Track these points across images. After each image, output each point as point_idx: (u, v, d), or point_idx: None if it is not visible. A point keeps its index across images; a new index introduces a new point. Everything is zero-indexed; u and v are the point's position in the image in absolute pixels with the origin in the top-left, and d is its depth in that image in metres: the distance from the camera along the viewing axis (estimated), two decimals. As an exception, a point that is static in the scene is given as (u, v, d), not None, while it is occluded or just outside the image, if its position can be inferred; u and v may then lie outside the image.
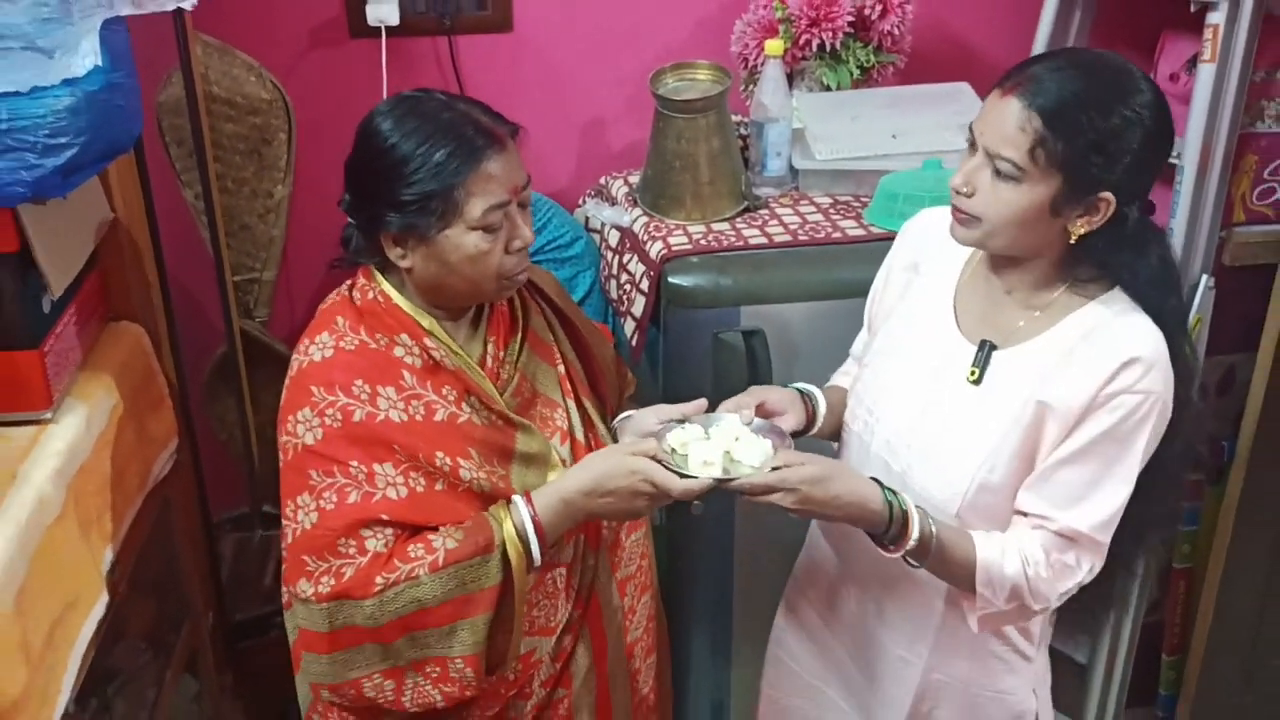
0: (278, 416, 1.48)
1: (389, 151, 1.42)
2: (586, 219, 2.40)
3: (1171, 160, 2.15)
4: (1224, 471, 2.46)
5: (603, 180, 2.42)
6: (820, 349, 1.92)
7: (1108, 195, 1.39)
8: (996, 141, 1.40)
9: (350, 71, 2.37)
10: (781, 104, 2.16)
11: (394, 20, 2.31)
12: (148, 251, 1.83)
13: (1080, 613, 1.74)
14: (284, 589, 1.59)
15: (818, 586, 1.81)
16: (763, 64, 2.20)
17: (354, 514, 1.41)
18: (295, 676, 1.64)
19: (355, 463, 1.42)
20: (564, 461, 1.60)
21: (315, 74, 2.38)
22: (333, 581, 1.41)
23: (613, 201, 2.32)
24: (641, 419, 1.65)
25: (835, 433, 1.75)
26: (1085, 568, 1.47)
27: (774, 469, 1.43)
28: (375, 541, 1.42)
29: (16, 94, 1.30)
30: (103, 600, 1.50)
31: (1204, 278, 2.23)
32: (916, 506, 1.47)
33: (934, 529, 1.46)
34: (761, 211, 2.18)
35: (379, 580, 1.40)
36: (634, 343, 2.10)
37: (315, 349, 1.48)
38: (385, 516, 1.42)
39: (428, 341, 1.48)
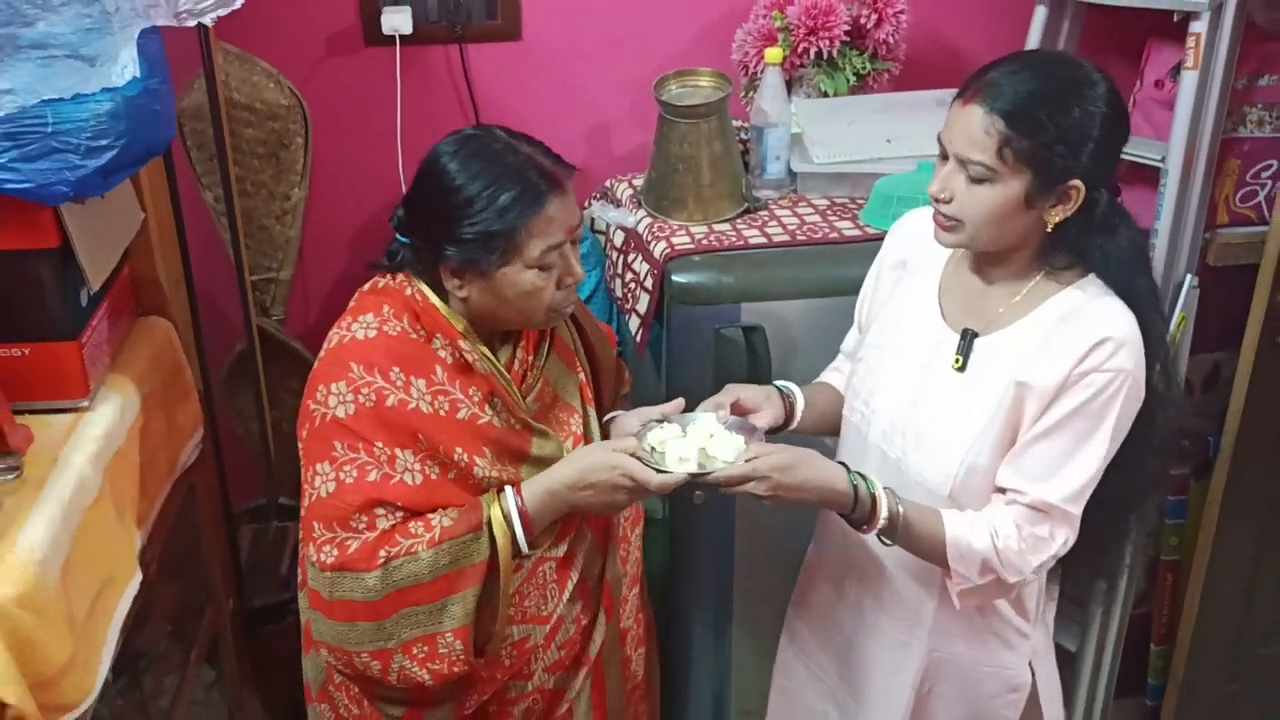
0: (307, 383, 1.52)
1: (456, 191, 1.47)
2: (592, 220, 2.42)
3: (1156, 164, 2.20)
4: (1209, 466, 2.50)
5: (608, 183, 2.44)
6: (818, 344, 1.97)
7: (1076, 183, 1.45)
8: (965, 147, 1.46)
9: (365, 78, 2.40)
10: (780, 110, 2.18)
11: (407, 29, 2.33)
12: (174, 250, 1.89)
13: (1088, 577, 1.79)
14: (299, 569, 1.66)
15: (818, 592, 1.86)
16: (762, 71, 2.22)
17: (371, 492, 1.45)
18: (305, 657, 1.70)
19: (380, 444, 1.46)
20: None
21: (331, 81, 2.40)
22: (336, 553, 1.45)
23: (618, 203, 2.35)
24: (625, 420, 1.71)
25: (822, 428, 1.80)
26: (1059, 540, 1.53)
27: (747, 461, 1.49)
28: (385, 521, 1.47)
29: (61, 100, 1.37)
30: (136, 578, 1.56)
31: (1188, 277, 2.28)
32: (885, 488, 1.54)
33: (901, 509, 1.53)
34: (761, 213, 2.20)
35: (382, 554, 1.44)
36: (638, 339, 2.14)
37: (359, 327, 1.51)
38: (399, 502, 1.47)
39: (462, 344, 1.53)
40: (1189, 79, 2.13)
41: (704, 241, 2.11)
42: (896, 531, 1.54)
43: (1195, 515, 2.59)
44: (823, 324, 1.99)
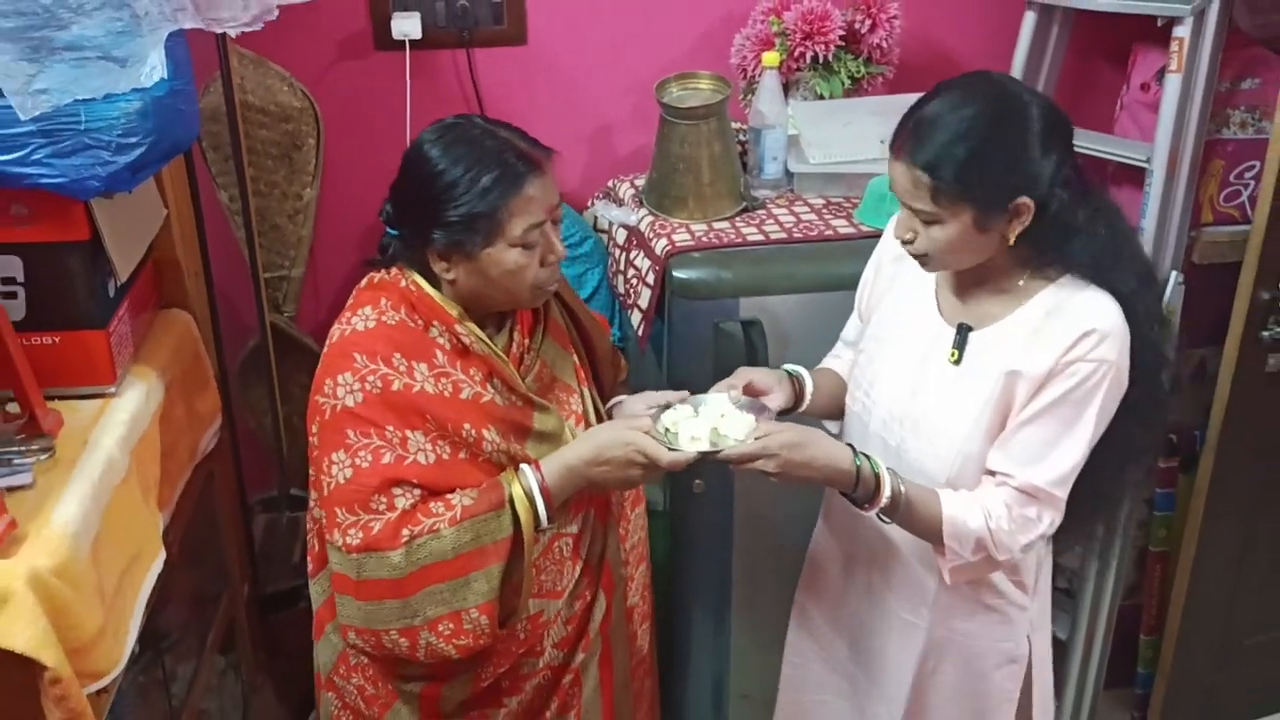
0: (314, 380, 1.57)
1: (438, 177, 1.52)
2: (595, 219, 2.48)
3: (1141, 164, 2.25)
4: (1197, 460, 2.53)
5: (610, 183, 2.48)
6: (813, 337, 2.01)
7: (1024, 200, 1.50)
8: (905, 197, 1.54)
9: (376, 82, 2.45)
10: (778, 112, 2.23)
11: (417, 34, 2.38)
12: (194, 246, 1.95)
13: (1083, 538, 1.84)
14: (308, 559, 1.71)
15: (827, 574, 1.91)
16: (760, 74, 2.26)
17: (388, 473, 1.50)
18: (316, 644, 1.75)
19: (391, 427, 1.51)
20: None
21: (343, 84, 2.45)
22: (361, 535, 1.50)
23: (620, 202, 2.39)
24: (630, 404, 1.76)
25: (827, 411, 1.86)
26: (1045, 521, 1.59)
27: (756, 439, 1.55)
28: (403, 499, 1.51)
29: (93, 99, 1.43)
30: (161, 556, 1.62)
31: (1174, 274, 2.32)
32: (888, 468, 1.59)
33: (903, 488, 1.58)
34: (759, 211, 2.24)
35: (405, 533, 1.49)
36: (640, 333, 2.19)
37: (359, 320, 1.57)
38: (415, 479, 1.52)
39: (458, 329, 1.58)
40: (1173, 82, 2.18)
41: (704, 239, 2.15)
42: (898, 510, 1.59)
43: (1183, 508, 2.63)
44: (818, 318, 2.04)
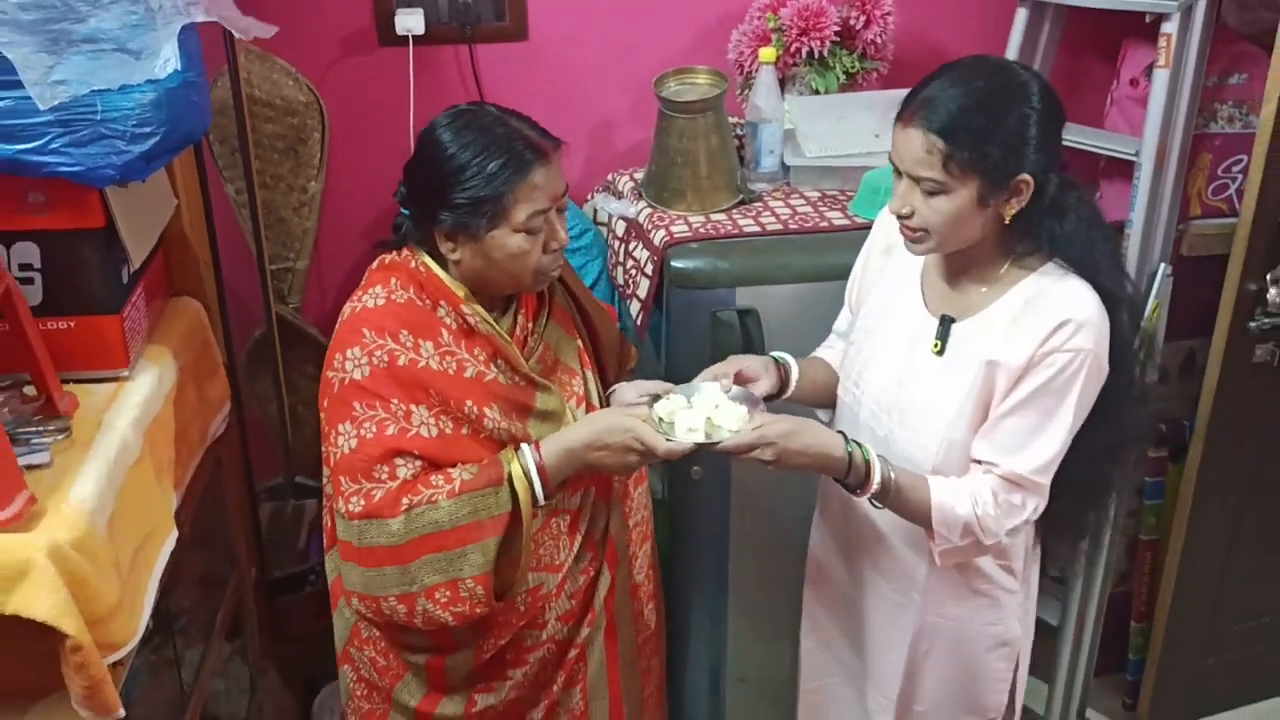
0: (325, 357, 1.61)
1: (448, 159, 1.57)
2: (595, 212, 2.51)
3: (1130, 158, 2.28)
4: (1187, 449, 2.56)
5: (610, 176, 2.51)
6: (808, 326, 2.04)
7: (1025, 177, 1.54)
8: (913, 166, 1.55)
9: (379, 76, 2.48)
10: (774, 106, 2.26)
11: (420, 30, 2.41)
12: (203, 236, 1.99)
13: (1071, 538, 1.88)
14: (324, 536, 1.76)
15: (825, 563, 1.94)
16: (757, 70, 2.30)
17: (390, 443, 1.55)
18: (334, 617, 1.80)
19: (396, 400, 1.55)
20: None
21: (347, 79, 2.48)
22: (362, 502, 1.54)
23: (620, 195, 2.42)
24: (623, 391, 1.80)
25: (816, 400, 1.89)
26: (1030, 507, 1.63)
27: (754, 430, 1.58)
28: (405, 469, 1.55)
29: (109, 90, 1.47)
30: (173, 535, 1.65)
31: (1162, 266, 2.36)
32: (878, 455, 1.63)
33: (893, 475, 1.62)
34: (756, 204, 2.27)
35: (405, 501, 1.54)
36: (639, 322, 2.22)
37: (369, 297, 1.61)
38: (416, 451, 1.56)
39: (464, 309, 1.62)
40: (1160, 77, 2.21)
41: (701, 230, 2.18)
42: (888, 496, 1.63)
43: (1173, 496, 2.66)
44: (813, 307, 2.07)
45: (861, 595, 1.88)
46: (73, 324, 1.62)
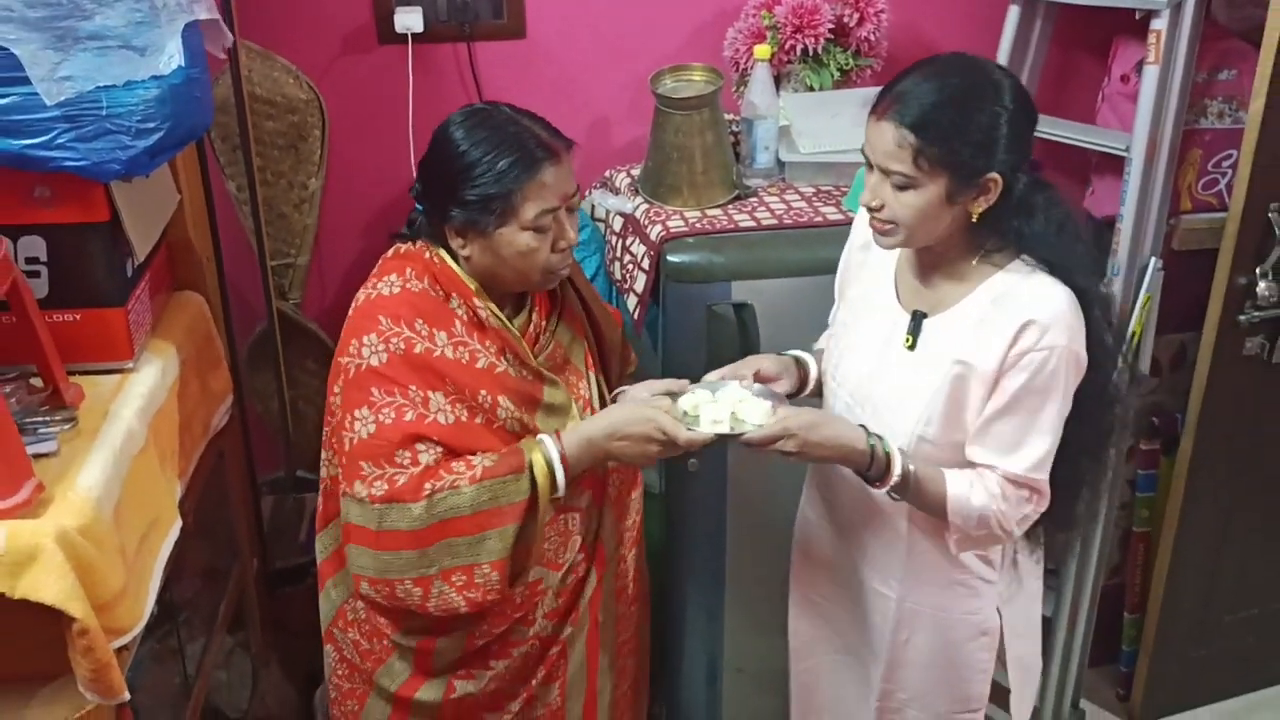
0: (339, 343, 1.64)
1: (460, 157, 1.59)
2: (592, 208, 2.52)
3: (1121, 153, 2.30)
4: (1177, 441, 2.59)
5: (607, 173, 2.53)
6: (803, 319, 2.05)
7: (994, 176, 1.55)
8: (884, 159, 1.56)
9: (379, 74, 2.49)
10: (769, 103, 2.29)
11: (419, 28, 2.42)
12: (205, 231, 2.01)
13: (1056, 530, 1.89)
14: (316, 517, 1.77)
15: (812, 549, 1.96)
16: (752, 67, 2.33)
17: (410, 429, 1.57)
18: (320, 593, 1.81)
19: (414, 387, 1.58)
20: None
21: (347, 76, 2.49)
22: (385, 486, 1.56)
23: (617, 191, 2.44)
24: (633, 392, 1.81)
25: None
26: (1033, 502, 1.66)
27: (778, 420, 1.59)
28: (426, 455, 1.57)
29: (114, 86, 1.49)
30: (177, 524, 1.68)
31: (1153, 260, 2.37)
32: (899, 449, 1.65)
33: (912, 468, 1.64)
34: (751, 199, 2.30)
35: (427, 487, 1.55)
36: (636, 316, 2.24)
37: (384, 285, 1.63)
38: (435, 436, 1.58)
39: (476, 302, 1.65)
40: (1150, 73, 2.23)
41: (697, 225, 2.21)
42: (907, 489, 1.65)
43: (1165, 489, 2.68)
44: (808, 301, 2.08)
45: (847, 580, 1.90)
46: (78, 316, 1.64)
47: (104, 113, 1.49)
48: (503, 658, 1.76)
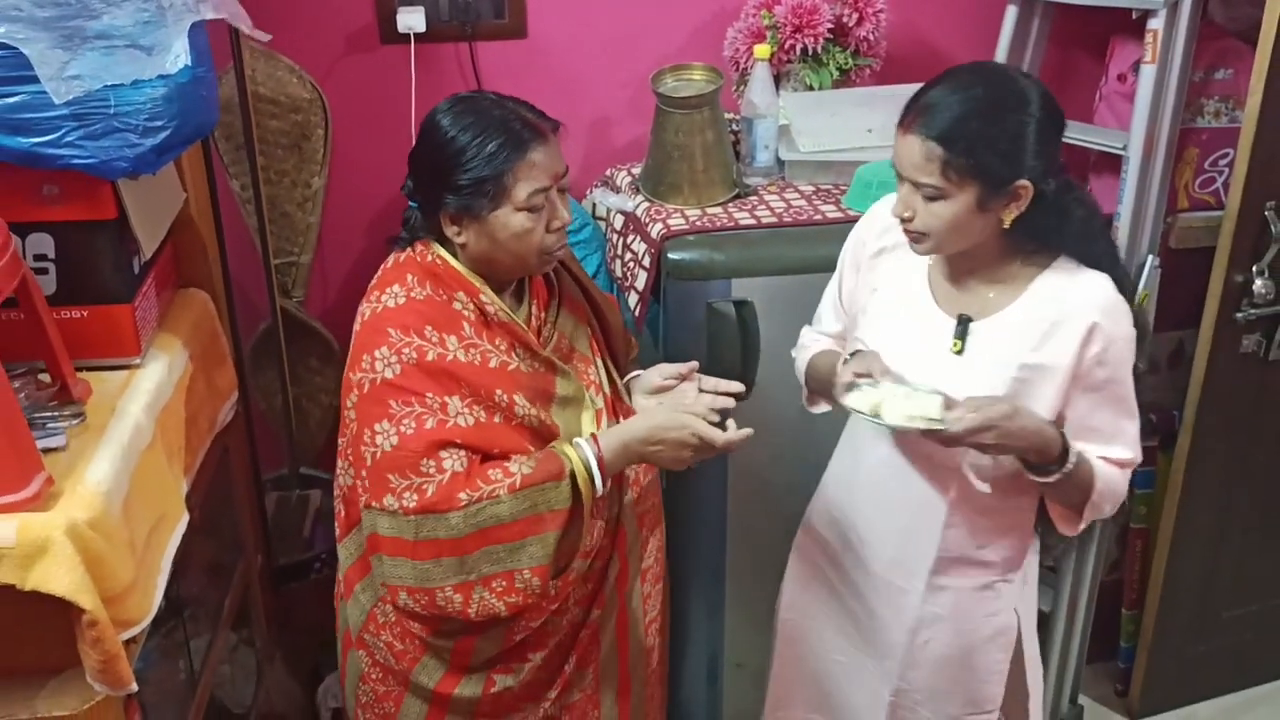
0: (349, 359, 1.64)
1: (449, 143, 1.60)
2: (593, 206, 2.54)
3: (1118, 152, 2.32)
4: (1175, 438, 2.60)
5: (608, 171, 2.54)
6: (802, 316, 2.06)
7: (1024, 183, 1.57)
8: (913, 172, 1.58)
9: (382, 74, 2.51)
10: (769, 102, 2.30)
11: (421, 28, 2.44)
12: (211, 229, 2.02)
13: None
14: (336, 525, 1.79)
15: (828, 539, 1.95)
16: (752, 66, 2.34)
17: (432, 436, 1.57)
18: (345, 604, 1.81)
19: (431, 394, 1.58)
20: (599, 409, 1.77)
21: (350, 76, 2.51)
22: (416, 497, 1.56)
23: (618, 190, 2.45)
24: (647, 376, 1.85)
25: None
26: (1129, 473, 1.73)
27: (978, 411, 1.57)
28: (452, 461, 1.57)
29: (121, 85, 1.50)
30: (184, 518, 1.69)
31: (1150, 258, 2.39)
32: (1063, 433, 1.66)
33: (1081, 453, 1.66)
34: (751, 197, 2.31)
35: (463, 496, 1.55)
36: (637, 313, 2.26)
37: (388, 297, 1.64)
38: (459, 440, 1.58)
39: (482, 298, 1.65)
40: (1147, 73, 2.25)
41: (698, 223, 2.22)
42: (1072, 474, 1.65)
43: (1162, 485, 2.70)
44: (807, 298, 2.08)
45: (861, 583, 1.89)
46: (86, 313, 1.65)
47: (111, 111, 1.50)
48: (540, 649, 1.76)
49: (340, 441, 1.69)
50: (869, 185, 2.24)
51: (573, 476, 1.61)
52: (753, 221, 2.24)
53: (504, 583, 1.60)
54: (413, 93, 2.49)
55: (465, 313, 1.66)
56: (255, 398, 2.60)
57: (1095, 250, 1.66)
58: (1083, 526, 1.75)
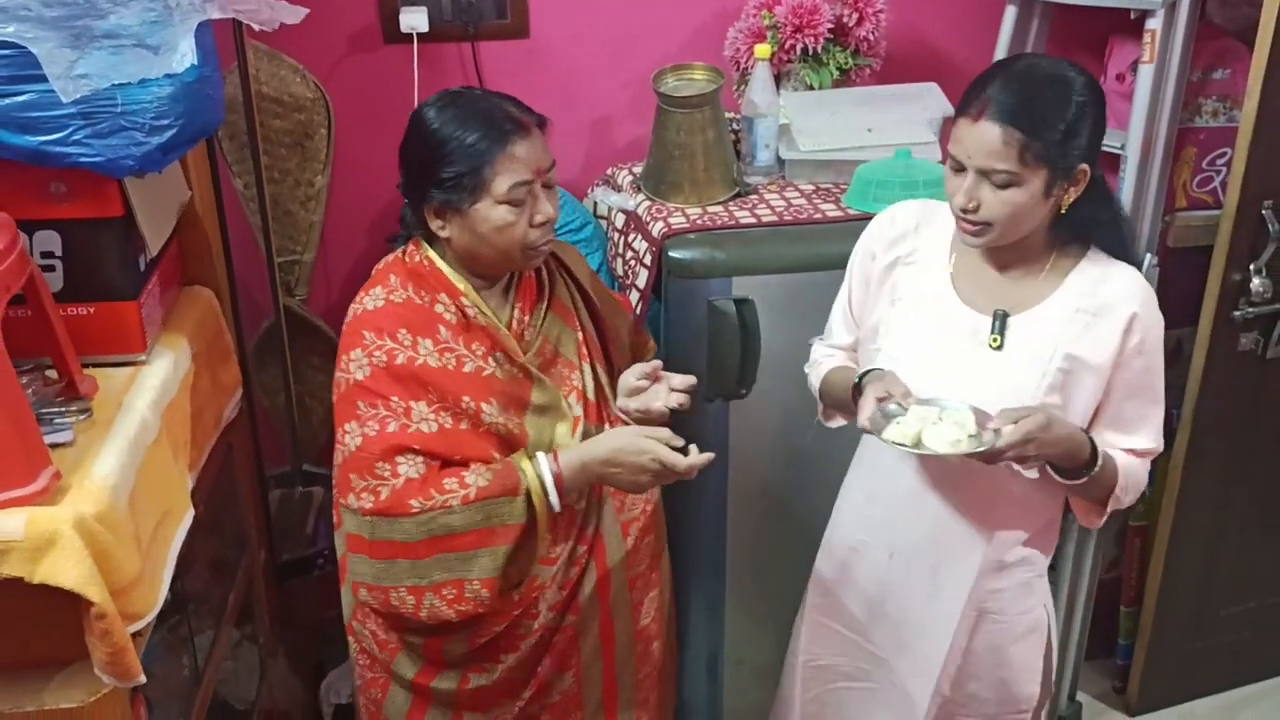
0: (335, 360, 1.67)
1: (431, 136, 1.63)
2: (595, 205, 2.55)
3: (1116, 151, 2.32)
4: (1173, 436, 2.59)
5: (610, 170, 2.55)
6: (802, 314, 2.08)
7: (1084, 166, 1.61)
8: (987, 159, 1.58)
9: (385, 73, 2.53)
10: (769, 102, 2.31)
11: (424, 28, 2.46)
12: (215, 227, 2.03)
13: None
14: (334, 514, 1.79)
15: (859, 559, 1.92)
16: (753, 66, 2.35)
17: (391, 440, 1.59)
18: (341, 588, 1.84)
19: (396, 398, 1.61)
20: (576, 417, 1.77)
21: (353, 75, 2.53)
22: (371, 499, 1.60)
23: (619, 189, 2.46)
24: (623, 380, 1.85)
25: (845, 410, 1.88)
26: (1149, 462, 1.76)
27: (1017, 425, 1.56)
28: (407, 467, 1.60)
29: (128, 84, 1.51)
30: (190, 513, 1.70)
31: (1149, 257, 2.39)
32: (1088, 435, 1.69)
33: (1105, 453, 1.69)
34: (751, 196, 2.32)
35: (414, 503, 1.58)
36: (638, 311, 2.25)
37: (369, 299, 1.67)
38: (417, 446, 1.61)
39: (463, 300, 1.67)
40: (1145, 73, 2.26)
41: (698, 222, 2.23)
42: (1098, 474, 1.68)
43: (1161, 483, 2.69)
44: (807, 296, 2.10)
45: (900, 591, 1.88)
46: (92, 310, 1.66)
47: (119, 110, 1.51)
48: (511, 651, 1.78)
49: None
50: (869, 184, 2.26)
51: (528, 493, 1.62)
52: (753, 220, 2.25)
53: (454, 591, 1.62)
54: (415, 92, 2.50)
55: (446, 315, 1.67)
56: (259, 396, 2.60)
57: (1121, 242, 1.71)
58: (1104, 519, 1.78)
